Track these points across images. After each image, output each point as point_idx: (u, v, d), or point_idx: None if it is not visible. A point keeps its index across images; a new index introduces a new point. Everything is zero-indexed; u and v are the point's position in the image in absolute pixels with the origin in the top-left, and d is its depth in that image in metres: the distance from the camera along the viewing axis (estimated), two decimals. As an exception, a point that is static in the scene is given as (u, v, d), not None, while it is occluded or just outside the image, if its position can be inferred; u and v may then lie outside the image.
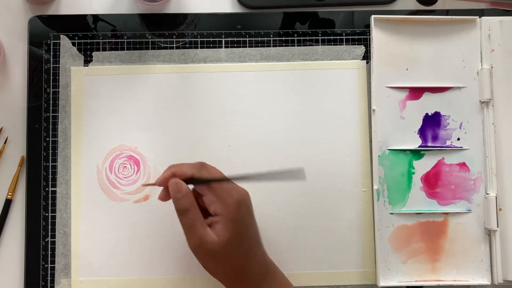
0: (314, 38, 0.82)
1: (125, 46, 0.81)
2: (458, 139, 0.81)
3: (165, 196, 0.70)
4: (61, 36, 0.81)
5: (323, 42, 0.82)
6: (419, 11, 0.84)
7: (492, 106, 0.80)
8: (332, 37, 0.82)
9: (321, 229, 0.79)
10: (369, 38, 0.81)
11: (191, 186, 0.68)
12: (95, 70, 0.81)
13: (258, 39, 0.82)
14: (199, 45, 0.82)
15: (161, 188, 0.70)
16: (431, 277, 0.79)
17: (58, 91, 0.80)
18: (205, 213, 0.68)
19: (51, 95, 0.80)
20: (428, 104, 0.81)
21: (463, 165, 0.80)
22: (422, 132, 0.81)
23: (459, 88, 0.81)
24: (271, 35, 0.82)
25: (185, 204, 0.66)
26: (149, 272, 0.78)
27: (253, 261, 0.68)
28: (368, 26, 0.82)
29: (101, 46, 0.81)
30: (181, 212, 0.67)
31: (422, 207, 0.80)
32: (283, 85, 0.81)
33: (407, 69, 0.81)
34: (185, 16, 0.83)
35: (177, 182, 0.67)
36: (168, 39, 0.82)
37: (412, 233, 0.79)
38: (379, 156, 0.79)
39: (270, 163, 0.80)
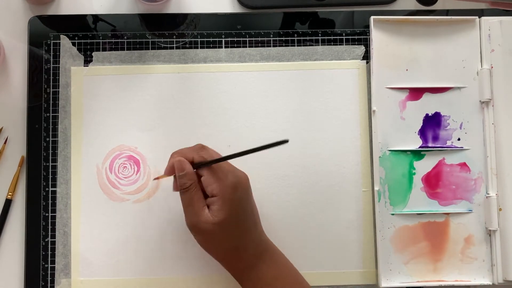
0: (314, 38, 0.82)
1: (125, 46, 0.81)
2: (459, 139, 0.81)
3: (177, 186, 0.72)
4: (61, 36, 0.81)
5: (323, 42, 0.82)
6: (419, 11, 0.84)
7: (492, 106, 0.80)
8: (332, 37, 0.82)
9: (321, 229, 0.79)
10: (369, 38, 0.81)
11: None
12: (95, 70, 0.81)
13: (258, 39, 0.82)
14: (199, 45, 0.82)
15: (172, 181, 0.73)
16: (433, 277, 0.79)
17: (58, 91, 0.80)
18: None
19: (51, 95, 0.80)
20: (428, 104, 0.81)
21: (463, 165, 0.80)
22: (422, 133, 0.81)
23: (459, 88, 0.81)
24: (271, 35, 0.82)
25: (186, 183, 0.69)
26: (149, 272, 0.78)
27: (248, 242, 0.70)
28: (368, 26, 0.82)
29: (101, 46, 0.81)
30: (182, 190, 0.69)
31: (423, 208, 0.80)
32: (283, 85, 0.81)
33: (407, 70, 0.81)
34: (185, 16, 0.83)
35: (180, 160, 0.69)
36: (168, 39, 0.82)
37: (414, 233, 0.79)
38: (379, 157, 0.79)
39: (270, 163, 0.80)
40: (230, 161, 0.71)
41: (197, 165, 0.70)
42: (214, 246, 0.70)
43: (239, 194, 0.69)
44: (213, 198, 0.68)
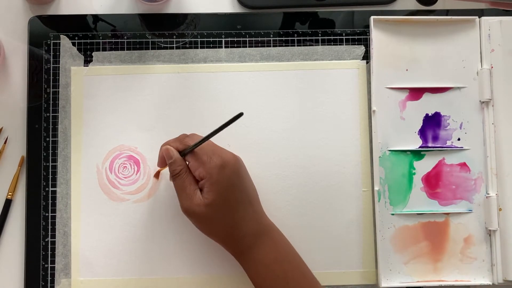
0: (314, 38, 0.82)
1: (125, 46, 0.81)
2: (459, 139, 0.81)
3: None
4: (61, 36, 0.81)
5: (323, 42, 0.82)
6: (419, 11, 0.84)
7: (492, 106, 0.80)
8: (332, 37, 0.82)
9: (321, 229, 0.79)
10: (369, 38, 0.81)
11: None
12: (95, 70, 0.81)
13: (258, 39, 0.82)
14: (199, 45, 0.82)
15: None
16: (433, 277, 0.79)
17: (58, 91, 0.80)
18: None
19: (51, 95, 0.80)
20: (428, 104, 0.81)
21: (463, 165, 0.80)
22: (422, 133, 0.81)
23: (459, 88, 0.81)
24: (271, 35, 0.82)
25: (176, 169, 0.71)
26: (149, 272, 0.78)
27: (244, 221, 0.71)
28: (368, 26, 0.82)
29: (101, 46, 0.81)
30: (174, 176, 0.71)
31: (423, 208, 0.80)
32: (283, 85, 0.81)
33: (407, 70, 0.81)
34: (185, 16, 0.83)
35: (167, 148, 0.72)
36: (168, 39, 0.82)
37: (414, 233, 0.79)
38: (379, 157, 0.79)
39: (270, 163, 0.80)
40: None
41: (183, 153, 0.71)
42: (210, 228, 0.71)
43: (226, 173, 0.70)
44: (202, 181, 0.70)
